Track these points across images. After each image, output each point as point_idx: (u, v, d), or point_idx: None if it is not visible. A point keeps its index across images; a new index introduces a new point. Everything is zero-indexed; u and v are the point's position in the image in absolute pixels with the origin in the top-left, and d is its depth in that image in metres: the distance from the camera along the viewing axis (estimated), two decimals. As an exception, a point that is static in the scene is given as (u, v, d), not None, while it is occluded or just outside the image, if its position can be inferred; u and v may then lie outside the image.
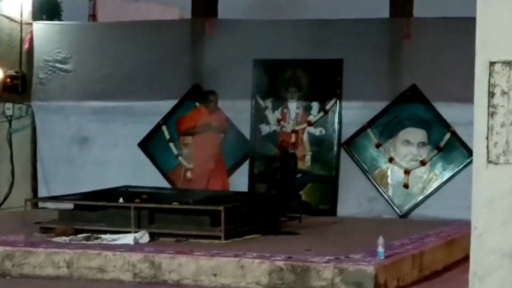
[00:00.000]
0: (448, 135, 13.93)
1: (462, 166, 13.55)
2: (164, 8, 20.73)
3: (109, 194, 12.45)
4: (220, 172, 14.46)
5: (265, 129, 15.11)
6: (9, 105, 15.85)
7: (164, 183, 14.81)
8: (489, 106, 6.37)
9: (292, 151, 14.73)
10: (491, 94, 6.36)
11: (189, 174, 15.20)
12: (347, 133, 14.45)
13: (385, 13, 15.43)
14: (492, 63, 6.36)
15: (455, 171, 13.79)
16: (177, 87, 15.32)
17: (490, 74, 6.39)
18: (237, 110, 15.04)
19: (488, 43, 6.38)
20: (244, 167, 15.11)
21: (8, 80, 15.80)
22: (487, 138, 6.39)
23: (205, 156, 14.31)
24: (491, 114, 6.37)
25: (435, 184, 14.08)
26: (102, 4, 22.28)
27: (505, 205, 6.37)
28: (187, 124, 15.00)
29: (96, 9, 23.06)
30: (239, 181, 14.92)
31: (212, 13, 16.52)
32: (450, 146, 13.92)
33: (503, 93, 6.32)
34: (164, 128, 15.37)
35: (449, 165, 13.90)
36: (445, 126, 13.97)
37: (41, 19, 16.87)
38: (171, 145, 15.34)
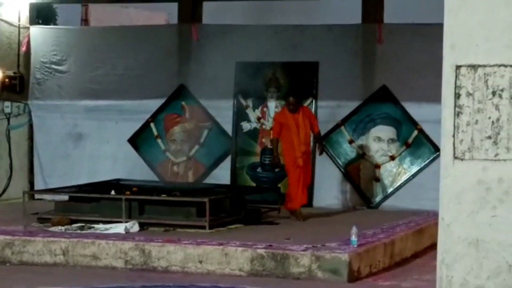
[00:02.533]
0: (415, 132, 14.01)
1: (428, 161, 13.63)
2: (152, 14, 20.66)
3: (102, 186, 12.53)
4: None
5: (246, 126, 15.14)
6: (7, 103, 15.85)
7: (153, 177, 14.83)
8: (455, 106, 6.41)
9: (272, 147, 14.75)
10: (457, 95, 6.41)
11: (175, 168, 15.21)
12: (322, 130, 14.43)
13: (358, 19, 15.47)
14: (458, 67, 6.41)
15: (422, 165, 13.86)
16: (164, 87, 15.32)
17: (456, 77, 6.44)
18: (220, 109, 15.07)
19: (455, 47, 6.42)
20: (227, 162, 15.11)
21: (6, 80, 15.78)
22: (453, 136, 6.44)
23: None
24: (457, 114, 6.42)
25: (404, 178, 14.15)
26: (94, 9, 22.20)
27: (471, 198, 6.41)
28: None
29: (88, 14, 22.99)
30: (222, 174, 14.95)
31: (197, 18, 16.52)
32: (418, 142, 13.99)
33: (468, 94, 6.37)
34: (152, 125, 15.39)
35: (417, 160, 13.98)
36: (413, 124, 14.05)
37: (38, 23, 16.78)
38: (159, 141, 15.36)
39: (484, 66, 6.36)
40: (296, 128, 12.05)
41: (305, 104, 14.52)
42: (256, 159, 15.08)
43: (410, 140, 14.09)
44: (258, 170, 14.96)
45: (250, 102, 15.09)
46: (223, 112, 15.09)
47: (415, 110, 13.89)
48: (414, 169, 14.05)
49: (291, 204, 12.35)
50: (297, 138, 12.05)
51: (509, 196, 6.30)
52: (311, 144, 12.81)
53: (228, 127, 15.13)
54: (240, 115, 15.12)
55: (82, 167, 14.93)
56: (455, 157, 6.43)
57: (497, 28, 6.34)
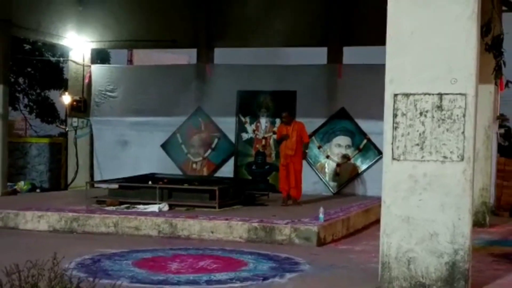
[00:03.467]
0: (365, 141, 14.08)
1: (374, 161, 13.71)
2: (177, 56, 20.65)
3: (142, 178, 12.55)
4: None
5: (244, 136, 15.19)
6: (75, 119, 16.03)
7: (178, 171, 14.85)
8: (393, 122, 6.45)
9: (263, 151, 14.80)
10: (395, 115, 6.45)
11: (194, 165, 15.25)
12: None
13: (325, 61, 15.54)
14: (395, 95, 6.44)
15: (369, 164, 13.95)
16: (186, 108, 15.33)
17: (394, 102, 6.46)
18: (226, 123, 15.11)
19: (393, 81, 6.46)
20: (231, 161, 15.12)
21: (74, 103, 15.90)
22: (392, 143, 6.47)
23: None
24: (395, 128, 6.45)
25: (356, 173, 14.20)
26: (136, 53, 22.22)
27: (404, 187, 6.44)
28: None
29: (132, 56, 23.00)
30: (227, 170, 14.98)
31: (210, 60, 16.56)
32: (366, 148, 14.08)
33: (403, 114, 6.41)
34: (178, 135, 15.41)
35: (366, 160, 14.05)
36: (363, 135, 14.13)
37: (96, 62, 16.83)
38: (183, 146, 15.38)
39: (414, 94, 6.39)
40: (287, 138, 11.89)
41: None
42: (252, 159, 15.12)
43: (361, 146, 14.17)
44: (253, 167, 15.04)
45: (247, 119, 15.15)
46: (228, 126, 15.15)
47: (365, 125, 13.95)
48: (364, 167, 14.10)
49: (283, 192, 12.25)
50: (284, 145, 11.91)
51: (431, 186, 6.33)
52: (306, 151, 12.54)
53: (232, 137, 15.17)
54: (240, 128, 15.16)
55: (127, 164, 14.92)
56: (393, 158, 6.47)
57: (422, 68, 6.37)
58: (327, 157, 14.42)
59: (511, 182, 13.10)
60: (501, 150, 12.70)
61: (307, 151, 12.53)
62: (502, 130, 13.12)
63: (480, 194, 10.97)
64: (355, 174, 14.23)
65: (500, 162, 12.58)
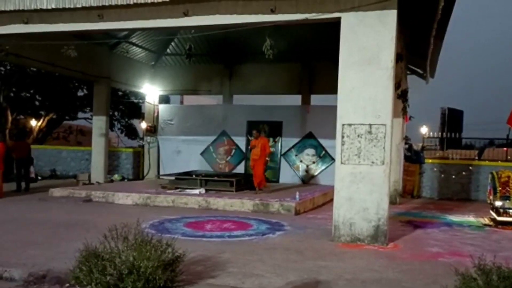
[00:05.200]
0: (323, 152, 13.96)
1: (329, 164, 13.47)
2: (211, 98, 20.54)
3: (189, 173, 12.44)
4: None
5: (249, 148, 14.97)
6: (148, 137, 15.89)
7: (210, 169, 14.73)
8: (342, 141, 6.45)
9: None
10: (342, 136, 6.45)
11: (220, 166, 15.17)
12: (284, 150, 14.48)
13: (299, 103, 15.60)
14: (343, 124, 6.46)
15: (326, 166, 13.78)
16: (216, 131, 15.23)
17: (342, 128, 6.47)
18: (240, 140, 14.99)
19: (342, 116, 6.48)
20: (242, 163, 14.97)
21: (148, 127, 15.85)
22: (340, 153, 6.47)
23: None
24: (342, 144, 6.45)
25: (318, 171, 14.05)
26: (186, 96, 22.15)
27: (347, 179, 6.45)
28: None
29: (183, 98, 22.97)
30: (240, 168, 14.83)
31: (231, 102, 16.62)
32: (324, 156, 13.93)
33: (347, 136, 6.42)
34: (210, 147, 15.28)
35: (324, 164, 13.91)
36: (323, 148, 13.97)
37: (162, 103, 16.82)
38: (213, 154, 15.26)
39: (354, 124, 6.41)
40: (254, 147, 11.51)
41: (277, 139, 14.64)
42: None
43: (321, 155, 14.02)
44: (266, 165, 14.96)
45: (252, 138, 14.75)
46: (241, 142, 14.97)
47: (324, 142, 13.77)
48: (323, 167, 13.92)
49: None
50: (252, 152, 11.52)
51: (364, 179, 6.35)
52: (265, 157, 11.65)
53: (243, 148, 14.99)
54: (248, 143, 14.95)
55: (180, 165, 14.67)
56: (341, 163, 6.48)
57: (358, 109, 6.40)
58: (301, 161, 14.26)
59: (411, 177, 13.13)
60: (406, 157, 12.69)
61: (268, 158, 11.82)
62: (407, 146, 13.11)
63: (393, 184, 11.00)
64: (318, 172, 14.14)
65: (405, 165, 12.60)
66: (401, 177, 12.12)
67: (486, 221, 8.77)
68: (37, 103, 20.57)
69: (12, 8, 7.69)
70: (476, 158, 17.62)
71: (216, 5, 6.99)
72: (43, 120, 20.46)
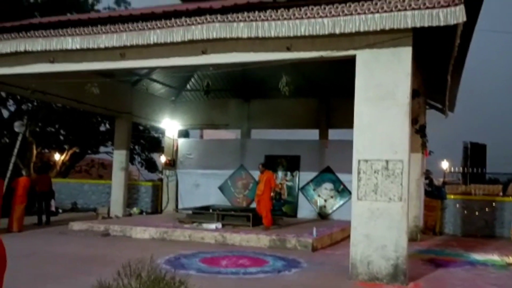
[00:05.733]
0: (342, 186, 13.82)
1: (348, 199, 13.26)
2: (229, 132, 20.65)
3: (206, 207, 12.39)
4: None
5: None
6: (167, 171, 16.01)
7: (228, 203, 14.70)
8: (358, 177, 6.41)
9: (279, 191, 14.62)
10: (359, 172, 6.41)
11: (238, 200, 15.12)
12: (302, 184, 14.39)
13: (317, 137, 15.59)
14: (359, 160, 6.43)
15: (345, 201, 13.58)
16: (234, 165, 15.26)
17: (358, 164, 6.44)
18: (257, 174, 14.61)
19: (358, 152, 6.47)
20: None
21: (167, 161, 15.97)
22: (357, 189, 6.42)
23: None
24: (359, 180, 6.40)
25: (336, 206, 13.91)
26: (205, 132, 22.29)
27: (365, 216, 6.35)
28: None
29: (202, 133, 23.12)
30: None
31: (249, 136, 16.71)
32: (343, 191, 13.78)
33: (363, 172, 6.37)
34: (228, 181, 15.27)
35: (343, 198, 13.75)
36: (341, 183, 13.85)
37: (181, 137, 16.98)
38: (232, 188, 15.24)
39: (370, 160, 6.37)
40: (259, 182, 11.32)
41: (294, 173, 14.60)
42: (272, 195, 14.72)
43: (339, 190, 13.91)
44: (273, 201, 14.71)
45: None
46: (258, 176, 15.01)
47: (342, 176, 13.61)
48: (342, 202, 13.77)
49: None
50: (257, 187, 11.35)
51: (382, 216, 6.26)
52: (271, 192, 11.08)
53: (261, 182, 15.00)
54: (266, 177, 15.08)
55: (198, 198, 14.72)
56: (358, 199, 6.41)
57: (375, 144, 6.38)
58: (319, 195, 14.14)
59: (433, 213, 12.82)
60: (426, 193, 12.46)
61: (272, 193, 11.17)
62: (427, 181, 12.88)
63: (413, 220, 10.78)
64: (335, 207, 13.94)
65: (426, 200, 12.35)
66: (422, 212, 11.87)
67: (511, 260, 8.47)
68: (61, 137, 21.08)
69: (39, 49, 8.02)
70: (501, 193, 17.18)
71: (234, 44, 7.16)
72: (67, 154, 20.89)
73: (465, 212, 12.89)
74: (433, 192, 12.93)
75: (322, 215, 13.93)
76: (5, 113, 18.61)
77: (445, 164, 21.63)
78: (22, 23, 8.31)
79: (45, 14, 15.69)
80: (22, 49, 8.15)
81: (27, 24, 8.17)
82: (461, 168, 20.00)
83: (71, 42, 7.81)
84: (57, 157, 20.69)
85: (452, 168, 20.20)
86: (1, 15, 14.20)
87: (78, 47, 7.82)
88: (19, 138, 14.06)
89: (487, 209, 12.67)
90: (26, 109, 17.40)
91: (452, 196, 13.44)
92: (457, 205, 13.04)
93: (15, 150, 13.48)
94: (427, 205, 12.55)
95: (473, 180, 20.05)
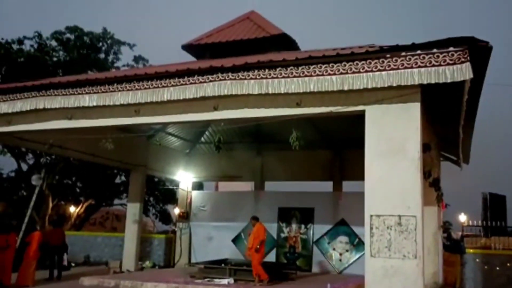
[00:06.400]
0: (357, 240, 13.47)
1: (363, 253, 12.96)
2: (244, 184, 20.65)
3: (218, 261, 12.16)
4: None
5: (282, 235, 14.71)
6: (180, 223, 15.89)
7: (241, 257, 14.34)
8: (370, 233, 6.29)
9: (293, 245, 14.36)
10: (371, 227, 6.30)
11: (251, 253, 14.82)
12: (316, 237, 14.12)
13: (331, 189, 15.44)
14: (371, 215, 6.33)
15: (360, 255, 13.19)
16: (246, 217, 14.91)
17: (370, 220, 6.34)
18: (271, 227, 14.66)
19: (369, 207, 6.38)
20: (273, 251, 14.58)
21: (181, 213, 15.91)
22: (370, 246, 6.28)
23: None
24: (371, 236, 6.28)
25: (352, 260, 13.53)
26: (220, 184, 22.32)
27: (379, 273, 6.20)
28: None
29: (217, 185, 23.15)
30: (271, 256, 14.42)
31: (262, 188, 16.64)
32: (358, 244, 13.39)
33: (376, 227, 6.26)
34: (241, 234, 15.01)
35: (358, 252, 13.36)
36: (356, 235, 13.50)
37: (195, 189, 17.02)
38: (244, 241, 14.89)
39: (382, 215, 6.28)
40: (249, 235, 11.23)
41: (308, 226, 14.35)
42: (287, 250, 14.42)
43: (354, 243, 13.55)
44: (287, 255, 14.45)
45: (284, 224, 14.78)
46: (272, 228, 14.63)
47: (357, 229, 13.24)
48: (357, 256, 13.37)
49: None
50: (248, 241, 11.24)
51: (396, 273, 6.08)
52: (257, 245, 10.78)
53: (274, 235, 14.65)
54: (279, 230, 14.75)
55: (212, 251, 14.45)
56: (371, 255, 6.27)
57: (387, 199, 6.30)
58: (334, 249, 13.79)
59: (452, 268, 12.35)
60: (445, 247, 12.07)
61: (258, 246, 10.74)
62: (445, 234, 12.51)
63: (432, 276, 10.37)
64: (351, 261, 13.53)
65: (444, 255, 11.94)
66: (441, 268, 11.45)
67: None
68: (77, 189, 21.29)
69: (57, 106, 8.29)
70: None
71: (245, 100, 7.30)
72: (82, 206, 21.00)
73: (486, 267, 12.41)
74: (452, 246, 12.52)
75: (338, 270, 13.52)
76: (24, 167, 18.98)
77: (462, 217, 21.10)
78: (42, 82, 8.64)
79: (68, 72, 16.38)
80: (41, 106, 8.43)
81: (47, 83, 8.49)
82: (480, 221, 19.44)
83: (88, 99, 8.06)
84: (73, 209, 20.79)
85: (471, 221, 19.65)
86: (27, 74, 14.84)
87: (95, 104, 8.06)
88: (36, 191, 14.28)
89: (508, 264, 12.19)
90: (44, 162, 17.70)
91: (471, 251, 13.01)
92: (477, 260, 12.58)
93: (31, 203, 13.65)
94: (446, 260, 12.12)
95: (494, 233, 19.43)
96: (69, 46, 19.31)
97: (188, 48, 12.60)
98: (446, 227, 12.38)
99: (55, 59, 18.81)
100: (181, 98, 7.44)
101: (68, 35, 19.63)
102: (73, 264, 14.89)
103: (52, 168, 18.22)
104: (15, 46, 18.15)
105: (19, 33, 19.32)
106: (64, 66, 18.22)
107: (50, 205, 17.92)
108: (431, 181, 10.05)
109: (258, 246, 10.66)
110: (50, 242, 12.17)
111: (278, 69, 6.84)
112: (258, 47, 10.92)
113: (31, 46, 18.84)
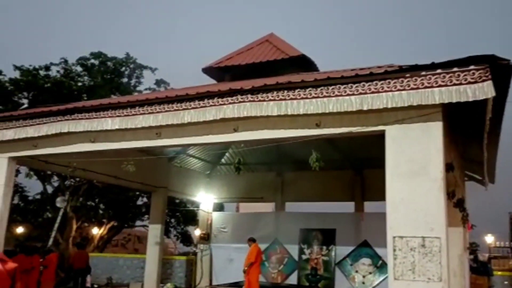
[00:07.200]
0: (380, 262, 13.16)
1: (386, 276, 12.68)
2: (265, 205, 20.31)
3: (239, 284, 12.04)
4: None
5: (303, 256, 14.47)
6: (201, 245, 15.82)
7: (263, 279, 14.01)
8: (393, 255, 6.15)
9: (315, 266, 14.11)
10: (394, 249, 6.17)
11: (273, 275, 14.61)
12: (338, 259, 13.86)
13: (352, 210, 15.21)
14: (394, 237, 6.20)
15: (384, 277, 12.85)
16: (269, 239, 14.90)
17: (393, 241, 6.21)
18: (292, 248, 14.58)
19: (392, 228, 6.25)
20: (295, 273, 14.38)
21: (202, 235, 15.87)
22: (393, 268, 6.13)
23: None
24: (394, 258, 6.14)
25: (376, 283, 13.19)
26: (242, 205, 22.22)
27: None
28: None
29: (239, 206, 23.08)
30: (292, 278, 14.27)
31: (283, 209, 16.50)
32: (382, 266, 13.07)
33: (399, 249, 6.12)
34: (262, 255, 14.71)
35: (382, 275, 13.01)
36: (379, 257, 13.22)
37: (216, 210, 17.00)
38: (266, 263, 14.61)
39: (405, 237, 6.13)
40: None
41: (330, 247, 14.11)
42: (309, 272, 14.19)
43: (378, 265, 13.25)
44: (309, 277, 14.21)
45: (305, 246, 14.55)
46: (293, 250, 14.52)
47: (381, 251, 12.94)
48: (381, 278, 13.00)
49: None
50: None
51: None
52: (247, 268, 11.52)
53: (295, 257, 14.49)
54: (300, 251, 14.53)
55: (232, 273, 14.12)
56: (395, 278, 6.10)
57: (409, 221, 6.16)
58: (356, 271, 13.51)
59: (480, 291, 11.97)
60: (472, 269, 11.69)
61: (246, 268, 11.30)
62: (472, 256, 12.14)
63: (459, 300, 10.02)
64: (375, 283, 13.17)
65: (471, 277, 11.56)
66: (468, 291, 11.08)
67: None
68: (100, 211, 21.51)
69: (81, 130, 8.44)
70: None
71: (264, 121, 7.30)
72: (105, 228, 21.17)
73: (515, 290, 11.96)
74: (479, 269, 12.13)
75: (361, 293, 13.20)
76: (49, 189, 19.31)
77: (489, 238, 20.44)
78: (67, 106, 8.83)
79: (93, 96, 16.78)
80: (65, 130, 8.60)
81: (71, 107, 8.68)
82: (508, 242, 18.80)
83: (111, 123, 8.18)
84: (95, 231, 20.97)
85: (498, 242, 19.03)
86: (53, 99, 15.25)
87: (117, 127, 8.17)
88: (60, 213, 14.46)
89: (539, 287, 11.73)
90: (68, 184, 17.98)
91: (499, 273, 12.58)
92: (505, 283, 12.14)
93: (56, 225, 13.81)
94: (473, 283, 11.72)
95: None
96: (93, 71, 19.82)
97: (208, 71, 12.75)
98: (472, 248, 12.01)
99: (80, 84, 19.29)
100: (201, 120, 7.48)
101: (92, 60, 20.16)
102: (96, 286, 14.95)
103: (76, 190, 18.48)
104: (42, 72, 18.69)
105: (46, 60, 19.95)
106: (88, 91, 18.65)
107: (74, 227, 18.11)
108: (456, 202, 9.77)
109: (245, 268, 10.86)
110: (74, 265, 12.27)
111: (297, 90, 6.84)
112: (277, 69, 10.97)
113: (57, 71, 19.39)
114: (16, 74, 18.03)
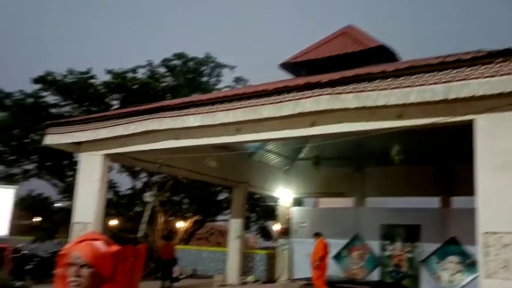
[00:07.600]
0: (470, 260, 12.41)
1: (478, 275, 11.93)
2: (346, 200, 19.82)
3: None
4: None
5: (385, 253, 14.06)
6: (281, 239, 15.93)
7: (342, 274, 13.93)
8: (484, 252, 5.78)
9: (399, 263, 13.61)
10: (485, 246, 5.79)
11: (353, 271, 14.34)
12: (423, 256, 13.27)
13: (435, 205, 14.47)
14: (485, 233, 5.84)
15: (474, 276, 12.10)
16: (349, 235, 14.61)
17: (484, 237, 5.86)
18: (373, 244, 14.19)
19: (483, 224, 5.89)
20: (377, 269, 14.01)
21: (282, 229, 15.97)
22: (484, 266, 5.79)
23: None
24: (486, 254, 5.78)
25: (464, 282, 12.46)
26: (321, 200, 22.02)
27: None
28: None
29: (318, 201, 22.91)
30: (374, 275, 13.88)
31: (362, 204, 16.11)
32: (471, 265, 12.26)
33: (491, 246, 5.74)
34: (343, 251, 14.60)
35: (471, 273, 12.24)
36: (469, 256, 12.42)
37: (295, 206, 16.98)
38: (345, 258, 14.51)
39: (498, 233, 5.74)
40: None
41: (415, 244, 13.54)
42: (391, 268, 13.80)
43: (467, 263, 12.45)
44: (392, 274, 13.76)
45: (387, 242, 14.10)
46: (374, 246, 14.15)
47: (470, 249, 12.25)
48: (471, 277, 12.25)
49: None
50: None
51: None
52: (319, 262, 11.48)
53: (377, 253, 14.12)
54: (382, 248, 14.12)
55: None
56: (486, 276, 5.74)
57: (503, 216, 5.75)
58: (444, 269, 12.79)
59: None
60: None
61: (317, 263, 11.19)
62: None
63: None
64: (464, 282, 12.42)
65: None
66: None
67: None
68: (185, 206, 22.44)
69: (165, 127, 8.87)
70: None
71: (342, 115, 7.18)
72: (190, 222, 22.07)
73: None
74: None
75: (449, 292, 12.55)
76: (138, 185, 20.50)
77: None
78: (152, 106, 9.33)
79: (176, 96, 17.51)
80: (151, 128, 9.08)
81: (156, 106, 9.15)
82: None
83: (193, 120, 8.51)
84: (180, 224, 21.93)
85: None
86: (140, 99, 16.15)
87: (198, 124, 8.48)
88: (149, 207, 15.32)
89: None
90: (155, 180, 18.95)
91: None
92: None
93: (145, 219, 14.65)
94: None
95: None
96: (176, 72, 20.67)
97: (286, 66, 12.77)
98: None
99: (164, 84, 20.22)
100: (279, 115, 7.53)
101: (175, 61, 21.03)
102: (183, 275, 15.67)
103: (162, 186, 19.44)
104: (129, 75, 19.84)
105: (133, 63, 21.15)
106: (172, 91, 19.49)
107: (161, 220, 19.07)
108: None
109: (317, 263, 10.77)
110: (162, 256, 12.95)
111: (376, 82, 6.64)
112: (355, 61, 10.71)
113: (143, 73, 20.48)
114: (106, 78, 19.22)
